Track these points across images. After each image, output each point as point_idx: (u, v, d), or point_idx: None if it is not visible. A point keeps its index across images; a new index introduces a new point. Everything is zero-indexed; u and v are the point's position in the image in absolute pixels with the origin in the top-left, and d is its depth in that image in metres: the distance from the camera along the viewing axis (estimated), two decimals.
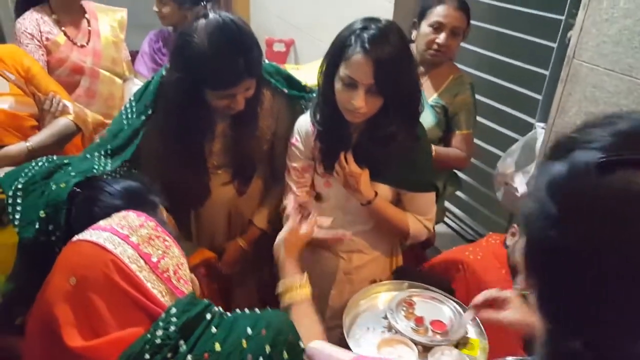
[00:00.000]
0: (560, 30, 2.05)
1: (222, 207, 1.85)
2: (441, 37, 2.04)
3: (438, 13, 2.05)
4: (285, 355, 0.93)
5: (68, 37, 2.38)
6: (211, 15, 1.46)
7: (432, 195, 1.68)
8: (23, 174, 1.37)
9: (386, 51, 1.35)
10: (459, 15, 2.04)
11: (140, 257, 0.91)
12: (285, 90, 1.71)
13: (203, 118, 1.59)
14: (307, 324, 1.23)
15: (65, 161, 1.45)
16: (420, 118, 1.57)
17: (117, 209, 1.04)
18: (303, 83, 1.78)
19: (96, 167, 1.46)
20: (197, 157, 1.69)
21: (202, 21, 1.45)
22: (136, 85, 2.58)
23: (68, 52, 2.37)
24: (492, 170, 2.33)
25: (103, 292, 0.87)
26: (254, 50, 1.49)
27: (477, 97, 2.51)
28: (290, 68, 3.49)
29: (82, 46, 2.42)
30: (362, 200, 1.59)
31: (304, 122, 1.66)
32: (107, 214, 1.02)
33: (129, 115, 1.63)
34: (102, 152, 1.56)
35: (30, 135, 1.89)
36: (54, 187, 1.30)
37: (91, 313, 0.86)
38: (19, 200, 1.32)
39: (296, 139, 1.69)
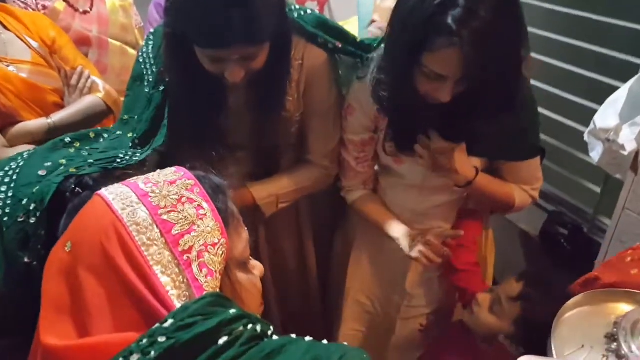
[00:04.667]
0: None
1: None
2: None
3: None
4: None
5: (67, 2, 2.33)
6: None
7: (537, 161, 1.62)
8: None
9: (479, 33, 1.15)
10: None
11: (156, 225, 0.74)
12: (339, 44, 1.55)
13: (206, 84, 1.43)
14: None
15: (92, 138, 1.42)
16: None
17: None
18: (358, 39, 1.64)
19: (121, 156, 1.38)
20: (209, 133, 1.55)
21: None
22: None
23: (70, 20, 2.31)
24: (581, 126, 2.27)
25: (96, 269, 0.71)
26: (259, 7, 1.23)
27: (551, 61, 2.46)
28: None
29: (85, 12, 2.37)
30: (459, 181, 1.51)
31: (361, 90, 1.53)
32: None
33: (150, 78, 1.51)
34: (133, 143, 1.48)
35: (53, 112, 1.89)
36: (62, 161, 1.25)
37: (78, 298, 0.71)
38: (11, 185, 1.25)
39: (352, 108, 1.58)
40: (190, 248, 0.74)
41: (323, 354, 0.71)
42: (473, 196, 1.62)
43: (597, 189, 2.40)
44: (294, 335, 0.75)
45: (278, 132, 1.58)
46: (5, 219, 1.20)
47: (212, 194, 0.82)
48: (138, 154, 1.42)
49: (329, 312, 2.10)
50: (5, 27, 1.86)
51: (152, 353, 0.64)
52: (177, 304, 0.70)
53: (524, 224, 2.60)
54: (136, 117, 1.51)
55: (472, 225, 1.71)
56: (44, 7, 2.27)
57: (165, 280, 0.71)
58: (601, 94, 2.21)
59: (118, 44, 2.45)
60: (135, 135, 1.48)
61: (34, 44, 1.89)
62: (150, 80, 1.50)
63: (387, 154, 1.60)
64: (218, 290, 0.77)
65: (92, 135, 1.44)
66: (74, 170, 1.21)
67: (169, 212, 0.75)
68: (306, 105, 1.59)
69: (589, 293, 1.35)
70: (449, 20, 1.15)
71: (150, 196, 0.76)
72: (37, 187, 1.19)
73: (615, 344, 1.21)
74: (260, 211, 1.65)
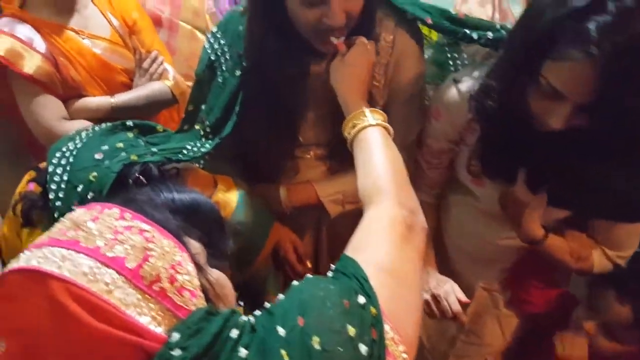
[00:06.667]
0: None
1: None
2: None
3: None
4: (351, 330, 0.66)
5: None
6: None
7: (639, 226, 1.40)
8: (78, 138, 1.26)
9: (625, 51, 0.95)
10: None
11: (106, 266, 0.63)
12: (429, 20, 1.38)
13: (290, 64, 1.33)
14: (390, 153, 1.05)
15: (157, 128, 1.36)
16: None
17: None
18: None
19: (189, 147, 1.32)
20: (284, 126, 1.45)
21: None
22: None
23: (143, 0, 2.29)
24: None
25: (58, 346, 0.60)
26: None
27: None
28: None
29: None
30: (522, 237, 1.38)
31: (454, 95, 1.38)
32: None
33: (224, 67, 1.44)
34: (202, 134, 1.44)
35: (119, 92, 1.88)
36: (119, 145, 1.18)
37: None
38: (67, 168, 1.17)
39: (439, 113, 1.44)
40: (158, 276, 0.65)
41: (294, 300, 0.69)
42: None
43: None
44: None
45: None
46: (58, 203, 1.13)
47: (144, 210, 0.74)
48: (207, 145, 1.35)
49: None
50: (92, 2, 1.86)
51: None
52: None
53: None
54: (203, 106, 1.47)
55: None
56: None
57: (146, 320, 0.63)
58: None
59: (188, 27, 2.40)
60: (207, 123, 1.44)
61: (115, 22, 1.88)
62: (224, 68, 1.44)
63: (471, 173, 1.46)
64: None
65: (159, 129, 1.38)
66: (135, 158, 1.14)
67: (112, 247, 0.65)
68: (391, 92, 1.47)
69: None
70: (591, 26, 0.97)
71: (80, 241, 0.66)
72: (94, 173, 1.12)
73: None
74: (326, 211, 1.57)
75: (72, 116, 1.80)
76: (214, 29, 1.49)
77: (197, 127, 1.46)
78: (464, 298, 1.43)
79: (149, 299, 0.64)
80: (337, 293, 0.69)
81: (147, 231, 0.69)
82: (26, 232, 1.21)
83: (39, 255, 0.64)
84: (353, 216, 1.58)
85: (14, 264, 0.65)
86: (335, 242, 1.70)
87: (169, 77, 1.97)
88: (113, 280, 0.62)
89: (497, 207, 1.42)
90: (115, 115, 1.83)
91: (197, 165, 1.38)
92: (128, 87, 1.92)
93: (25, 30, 1.70)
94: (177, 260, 0.68)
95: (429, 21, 1.38)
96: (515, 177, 1.33)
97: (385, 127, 1.11)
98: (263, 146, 1.47)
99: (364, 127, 1.10)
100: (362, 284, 0.72)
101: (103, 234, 0.66)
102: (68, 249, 0.64)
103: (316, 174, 1.58)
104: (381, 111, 1.15)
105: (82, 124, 1.77)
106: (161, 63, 1.95)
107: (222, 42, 1.45)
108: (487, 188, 1.44)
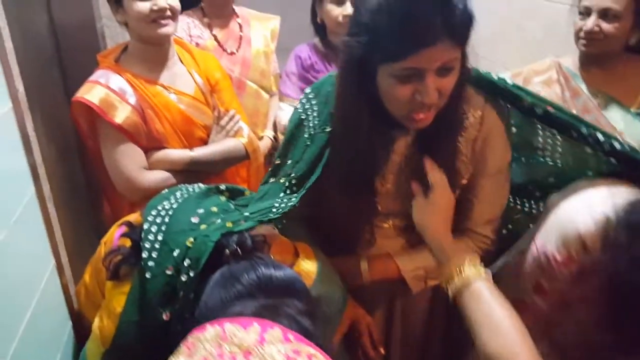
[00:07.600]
0: None
1: None
2: (588, 23, 1.85)
3: None
4: None
5: (218, 42, 2.46)
6: None
7: None
8: (174, 196, 1.26)
9: None
10: None
11: None
12: (551, 108, 1.33)
13: (378, 127, 1.33)
14: (510, 310, 1.03)
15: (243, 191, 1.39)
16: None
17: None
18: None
19: (277, 205, 1.34)
20: (364, 194, 1.44)
21: None
22: (282, 110, 2.59)
23: (217, 59, 2.41)
24: None
25: None
26: (458, 4, 1.15)
27: None
28: None
29: (231, 53, 2.49)
30: None
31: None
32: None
33: (311, 123, 1.45)
34: (286, 186, 1.44)
35: (196, 146, 1.99)
36: (213, 209, 1.20)
37: None
38: (162, 228, 1.16)
39: (572, 260, 1.29)
40: None
41: None
42: None
43: None
44: None
45: None
46: (151, 263, 1.12)
47: (299, 324, 0.72)
48: (293, 198, 1.37)
49: None
50: (180, 61, 2.01)
51: None
52: None
53: None
54: (289, 161, 1.48)
55: None
56: (197, 45, 2.38)
57: None
58: None
59: (255, 87, 2.55)
60: (293, 175, 1.43)
61: (199, 81, 2.01)
62: (311, 124, 1.45)
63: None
64: None
65: (247, 193, 1.42)
66: (230, 225, 1.15)
67: None
68: (477, 166, 1.44)
69: None
70: None
71: None
72: (190, 238, 1.12)
73: None
74: (403, 286, 1.51)
75: (151, 166, 1.90)
76: (308, 90, 1.53)
77: (282, 180, 1.48)
78: None
79: None
80: None
81: (315, 356, 0.66)
82: (110, 285, 1.19)
83: None
84: (426, 295, 1.59)
85: None
86: (406, 322, 1.65)
87: (243, 135, 2.08)
88: None
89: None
90: (192, 168, 1.94)
91: (276, 230, 1.38)
92: (204, 141, 2.03)
93: (119, 82, 1.83)
94: None
95: (551, 109, 1.34)
96: None
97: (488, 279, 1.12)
98: (342, 213, 1.46)
99: (472, 279, 1.10)
100: None
101: (276, 359, 0.63)
102: None
103: (394, 245, 1.53)
104: (474, 253, 1.18)
105: (161, 174, 1.90)
106: (238, 121, 2.07)
107: (313, 101, 1.48)
108: None
